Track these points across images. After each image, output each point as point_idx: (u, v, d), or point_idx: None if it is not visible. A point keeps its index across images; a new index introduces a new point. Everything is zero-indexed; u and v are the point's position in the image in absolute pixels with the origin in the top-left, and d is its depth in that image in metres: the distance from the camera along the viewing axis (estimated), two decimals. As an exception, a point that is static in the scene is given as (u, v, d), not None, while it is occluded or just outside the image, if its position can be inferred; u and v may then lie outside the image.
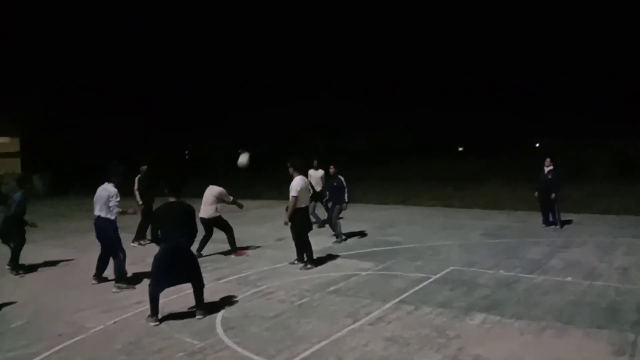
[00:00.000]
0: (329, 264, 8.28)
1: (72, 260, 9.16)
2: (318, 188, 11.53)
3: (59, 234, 12.41)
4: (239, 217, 10.95)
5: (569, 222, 11.51)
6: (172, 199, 5.95)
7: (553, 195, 10.84)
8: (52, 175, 28.24)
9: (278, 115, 45.22)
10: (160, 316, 5.77)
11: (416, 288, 6.71)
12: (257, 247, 9.80)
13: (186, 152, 50.53)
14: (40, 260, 8.87)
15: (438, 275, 7.32)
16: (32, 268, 8.46)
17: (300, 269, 7.92)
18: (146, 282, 7.26)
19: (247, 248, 9.47)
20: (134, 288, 6.99)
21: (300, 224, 7.99)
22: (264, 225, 12.57)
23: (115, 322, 5.73)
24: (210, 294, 6.44)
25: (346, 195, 10.57)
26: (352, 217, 12.75)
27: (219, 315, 5.82)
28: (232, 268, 8.19)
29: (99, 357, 4.79)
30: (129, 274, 7.36)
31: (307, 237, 8.08)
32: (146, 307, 6.22)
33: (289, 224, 8.05)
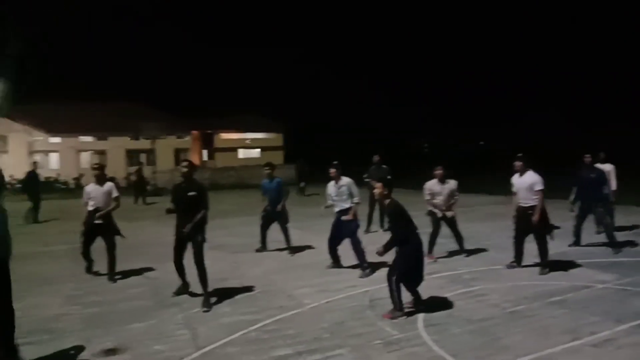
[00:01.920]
0: (559, 271, 7.34)
1: (306, 243, 10.21)
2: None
3: (302, 217, 13.97)
4: (466, 212, 10.54)
5: None
6: (388, 200, 5.82)
7: None
8: (310, 165, 31.83)
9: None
10: (369, 301, 6.06)
11: (668, 312, 5.45)
12: (478, 246, 9.28)
13: (425, 145, 51.15)
14: (280, 239, 10.13)
15: None
16: (273, 246, 9.73)
17: (507, 266, 7.56)
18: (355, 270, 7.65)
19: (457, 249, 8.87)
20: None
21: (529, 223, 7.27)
22: (491, 223, 11.86)
23: (327, 302, 6.22)
24: (419, 287, 6.41)
25: (607, 190, 8.81)
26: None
27: (423, 310, 5.75)
28: (446, 264, 7.98)
29: (307, 332, 5.26)
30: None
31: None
32: (357, 291, 6.64)
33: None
